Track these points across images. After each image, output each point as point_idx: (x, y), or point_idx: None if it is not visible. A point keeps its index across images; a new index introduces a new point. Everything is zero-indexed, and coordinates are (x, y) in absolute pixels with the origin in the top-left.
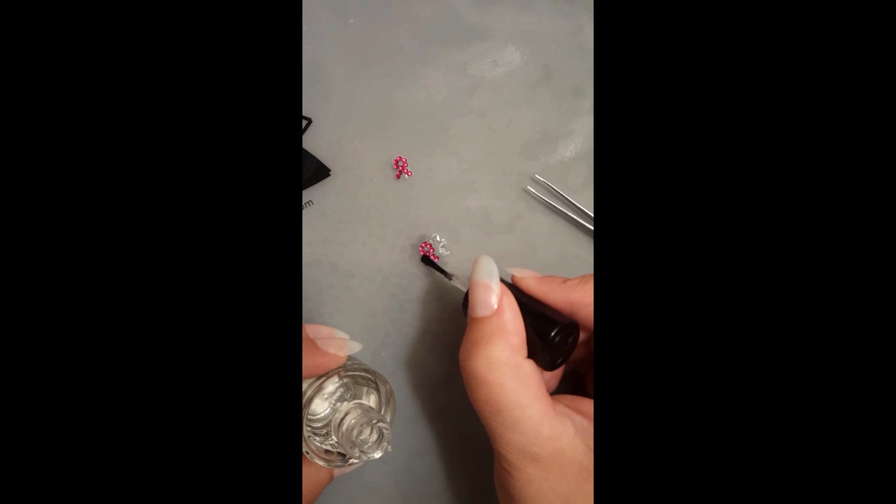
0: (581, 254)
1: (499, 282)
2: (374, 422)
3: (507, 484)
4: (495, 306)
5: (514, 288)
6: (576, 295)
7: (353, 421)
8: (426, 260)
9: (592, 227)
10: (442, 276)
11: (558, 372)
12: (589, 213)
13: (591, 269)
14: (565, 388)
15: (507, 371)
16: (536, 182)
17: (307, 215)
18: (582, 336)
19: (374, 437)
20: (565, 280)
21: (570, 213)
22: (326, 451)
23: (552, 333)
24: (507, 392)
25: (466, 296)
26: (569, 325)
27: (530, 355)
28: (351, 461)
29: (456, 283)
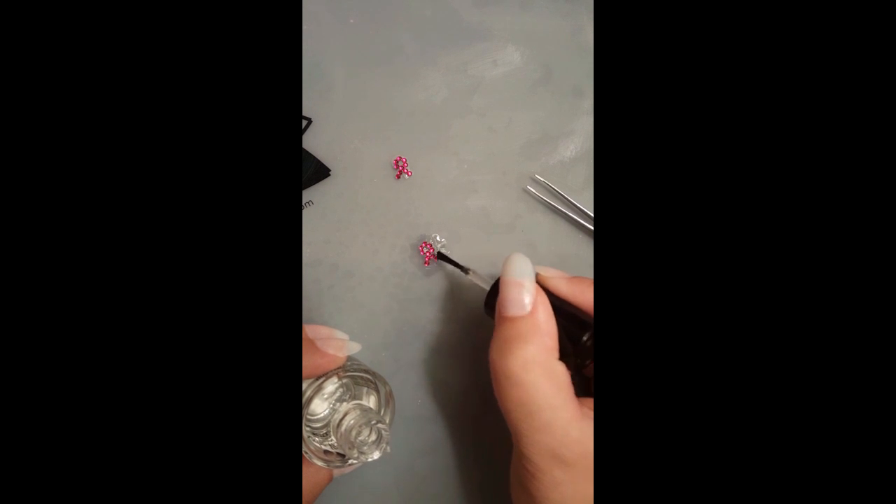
0: (581, 254)
1: (533, 280)
2: (373, 422)
3: (531, 487)
4: (529, 307)
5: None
6: None
7: (352, 421)
8: (441, 256)
9: (592, 227)
10: (459, 270)
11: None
12: (589, 213)
13: (591, 269)
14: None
15: (541, 372)
16: (536, 182)
17: (307, 215)
18: None
19: (373, 437)
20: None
21: (570, 213)
22: (326, 452)
23: (584, 337)
24: (541, 393)
25: (490, 293)
26: None
27: (560, 357)
28: (350, 462)
29: (474, 277)
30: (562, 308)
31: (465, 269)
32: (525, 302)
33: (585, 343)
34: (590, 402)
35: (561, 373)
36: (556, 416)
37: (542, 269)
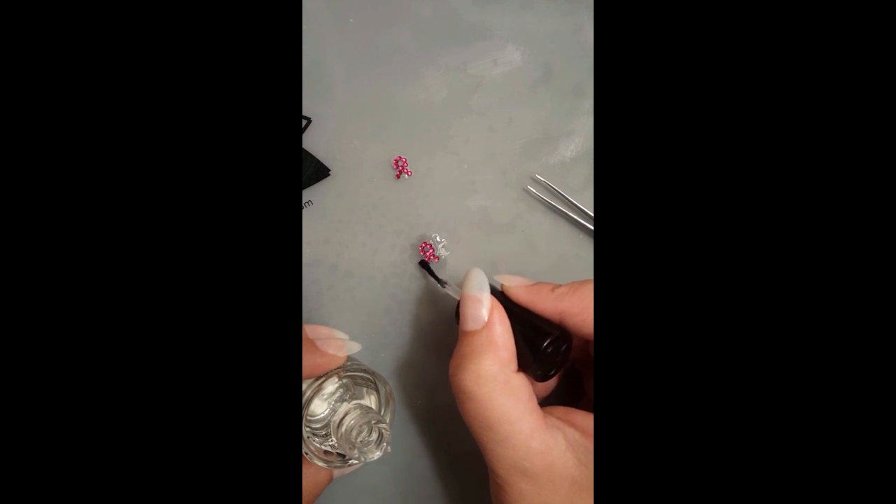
0: (581, 254)
1: (489, 295)
2: (374, 422)
3: (501, 499)
4: (485, 320)
5: (503, 297)
6: (564, 304)
7: (352, 421)
8: (423, 264)
9: (592, 227)
10: (436, 282)
11: (553, 380)
12: (589, 213)
13: (591, 269)
14: (563, 385)
15: (496, 386)
16: (537, 182)
17: (307, 215)
18: (575, 341)
19: (374, 437)
20: (555, 287)
21: (570, 213)
22: (326, 452)
23: (543, 345)
24: (497, 407)
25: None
26: (560, 335)
27: (522, 367)
28: (350, 462)
29: (449, 290)
30: (522, 317)
31: (442, 282)
32: (481, 315)
33: (546, 351)
34: (558, 410)
35: (518, 385)
36: (514, 428)
37: (504, 279)
